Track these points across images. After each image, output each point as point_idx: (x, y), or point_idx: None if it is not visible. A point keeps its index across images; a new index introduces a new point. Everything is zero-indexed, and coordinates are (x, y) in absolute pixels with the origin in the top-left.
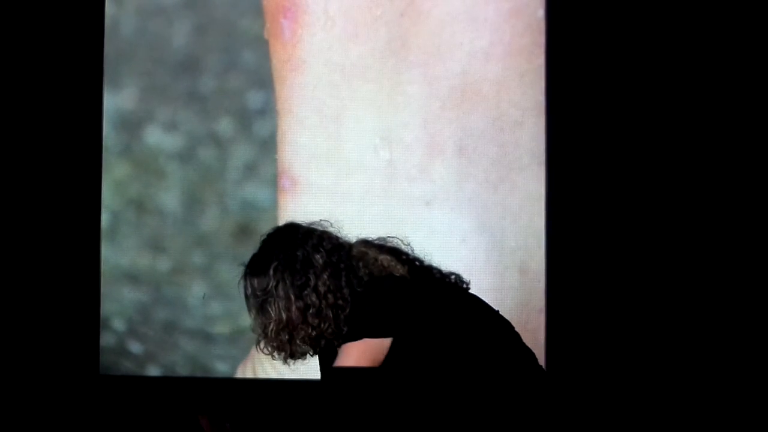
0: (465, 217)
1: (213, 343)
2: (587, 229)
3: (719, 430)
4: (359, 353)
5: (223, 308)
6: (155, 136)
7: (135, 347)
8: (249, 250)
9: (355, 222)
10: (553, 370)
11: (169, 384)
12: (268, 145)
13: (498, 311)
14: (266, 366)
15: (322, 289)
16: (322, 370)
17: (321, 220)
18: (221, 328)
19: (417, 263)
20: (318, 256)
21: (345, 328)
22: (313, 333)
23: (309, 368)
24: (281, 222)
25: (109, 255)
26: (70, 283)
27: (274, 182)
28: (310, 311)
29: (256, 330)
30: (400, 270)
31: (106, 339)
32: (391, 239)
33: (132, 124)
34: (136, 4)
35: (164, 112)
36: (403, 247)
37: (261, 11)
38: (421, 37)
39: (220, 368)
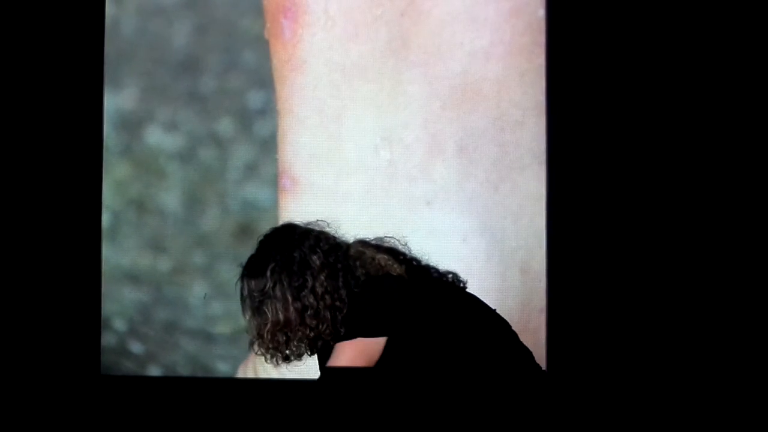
0: (466, 217)
1: (214, 343)
2: (588, 228)
3: (719, 430)
4: (353, 353)
5: (223, 308)
6: (156, 136)
7: (136, 347)
8: (250, 250)
9: (355, 222)
10: (554, 370)
11: (170, 384)
12: (269, 145)
13: (495, 310)
14: (267, 366)
15: (319, 290)
16: (321, 369)
17: (318, 220)
18: (222, 328)
19: (414, 263)
20: (315, 257)
21: (342, 329)
22: (311, 334)
23: (309, 368)
24: (282, 222)
25: (110, 255)
26: (70, 283)
27: (274, 182)
28: (308, 312)
29: (251, 332)
30: (397, 269)
31: (107, 339)
32: (388, 239)
33: (132, 124)
34: (137, 4)
35: (165, 112)
36: (401, 247)
37: (261, 11)
38: (421, 36)
39: (221, 368)
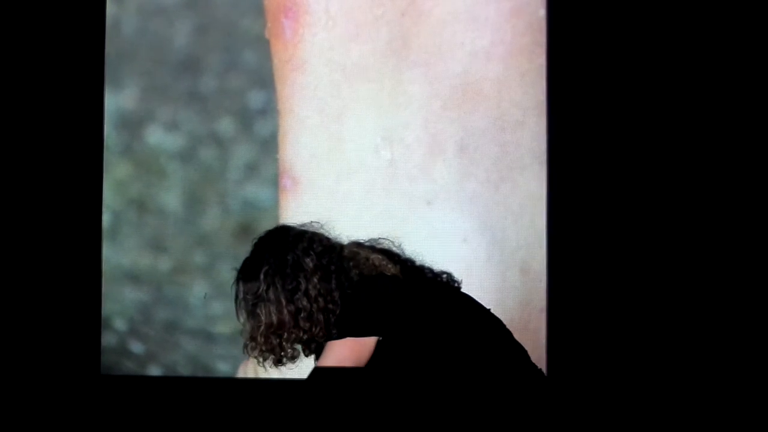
0: (466, 217)
1: (214, 343)
2: (589, 228)
3: (719, 430)
4: (342, 352)
5: (224, 308)
6: (156, 136)
7: (136, 347)
8: (250, 250)
9: (356, 222)
10: (554, 370)
11: (171, 384)
12: (270, 145)
13: (489, 309)
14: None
15: (312, 292)
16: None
17: (312, 221)
18: (222, 328)
19: (409, 263)
20: (308, 260)
21: (335, 331)
22: (305, 336)
23: (310, 368)
24: (281, 222)
25: (111, 255)
26: (71, 283)
27: (275, 182)
28: (301, 315)
29: (245, 334)
30: (391, 269)
31: (108, 339)
32: (382, 240)
33: (133, 124)
34: (137, 4)
35: (165, 112)
36: (395, 249)
37: (262, 11)
38: (422, 36)
39: (222, 368)
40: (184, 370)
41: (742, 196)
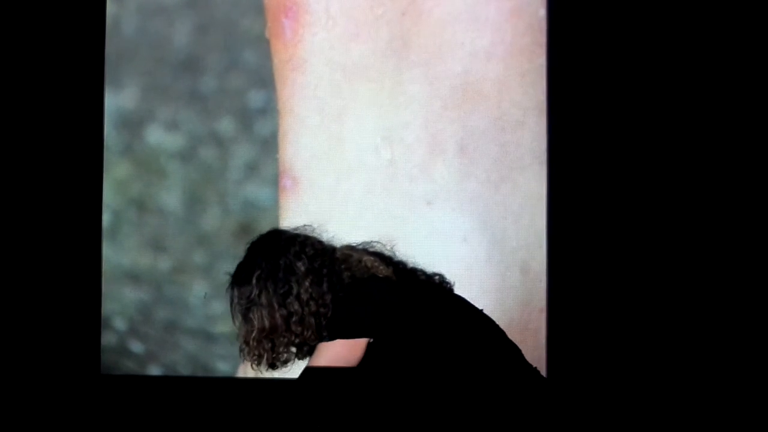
0: (466, 217)
1: (214, 343)
2: (589, 228)
3: (719, 430)
4: (332, 354)
5: (224, 308)
6: (156, 136)
7: (136, 347)
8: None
9: (356, 222)
10: (554, 370)
11: (171, 384)
12: (270, 145)
13: (482, 310)
14: None
15: (304, 296)
16: None
17: (305, 225)
18: (222, 328)
19: (401, 266)
20: (300, 264)
21: (326, 333)
22: (297, 340)
23: None
24: (282, 221)
25: (110, 254)
26: (71, 283)
27: (275, 182)
28: (293, 319)
29: (239, 338)
30: (384, 271)
31: (107, 338)
32: (374, 244)
33: (133, 124)
34: (138, 4)
35: (165, 112)
36: (387, 251)
37: (262, 10)
38: (422, 36)
39: (222, 368)
40: (184, 369)
41: (742, 196)
